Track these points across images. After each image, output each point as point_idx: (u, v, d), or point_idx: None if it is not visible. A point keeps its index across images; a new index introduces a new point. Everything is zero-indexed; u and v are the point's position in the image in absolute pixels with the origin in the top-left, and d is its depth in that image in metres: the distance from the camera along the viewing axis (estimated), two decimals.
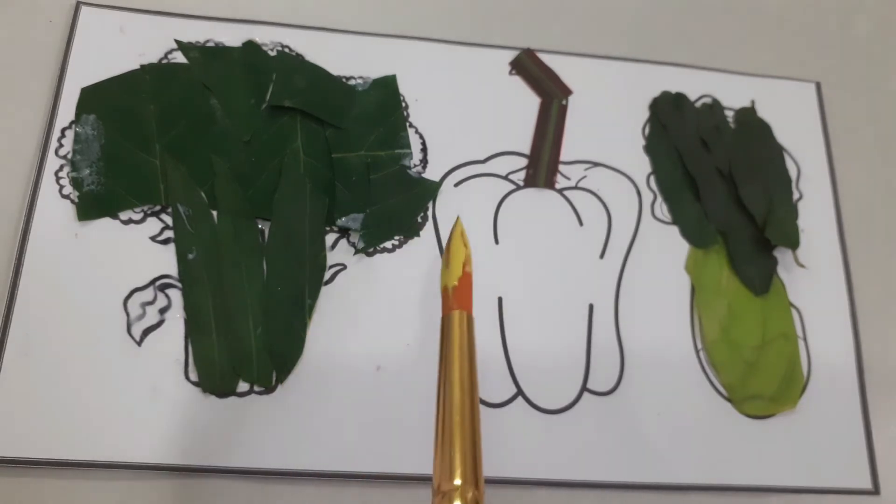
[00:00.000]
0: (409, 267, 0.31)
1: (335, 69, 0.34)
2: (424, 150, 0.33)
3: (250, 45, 0.33)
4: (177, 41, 0.32)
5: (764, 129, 0.37)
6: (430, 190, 0.32)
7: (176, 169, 0.30)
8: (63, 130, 0.30)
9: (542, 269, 0.32)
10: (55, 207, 0.29)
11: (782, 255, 0.35)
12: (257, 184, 0.31)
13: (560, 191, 0.34)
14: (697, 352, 0.32)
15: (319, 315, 0.29)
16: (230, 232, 0.29)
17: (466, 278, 0.25)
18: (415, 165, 0.33)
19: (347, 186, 0.31)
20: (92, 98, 0.31)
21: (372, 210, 0.31)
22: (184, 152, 0.30)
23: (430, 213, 0.32)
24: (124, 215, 0.29)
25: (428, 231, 0.32)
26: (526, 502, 0.29)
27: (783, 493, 0.31)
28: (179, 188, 0.30)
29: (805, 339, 0.34)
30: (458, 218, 0.30)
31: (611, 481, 0.29)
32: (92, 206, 0.29)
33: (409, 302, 0.30)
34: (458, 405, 0.21)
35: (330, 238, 0.31)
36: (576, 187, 0.34)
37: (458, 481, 0.19)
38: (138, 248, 0.29)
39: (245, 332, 0.28)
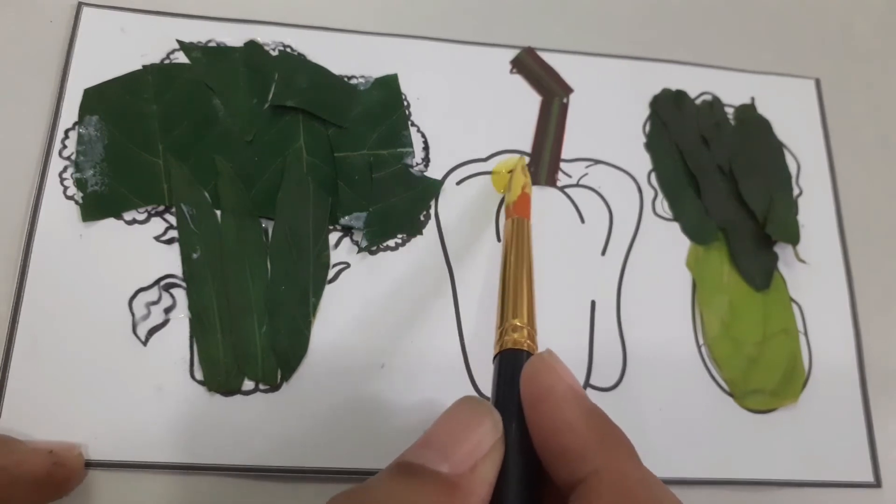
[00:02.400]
0: (413, 265, 0.31)
1: (337, 69, 0.34)
2: (426, 148, 0.33)
3: (252, 45, 0.33)
4: (179, 41, 0.33)
5: (764, 126, 0.37)
6: (432, 188, 0.32)
7: (179, 169, 0.30)
8: (66, 132, 0.30)
9: (544, 266, 0.32)
10: (59, 208, 0.29)
11: (783, 251, 0.35)
12: (260, 183, 0.31)
13: (562, 188, 0.34)
14: (699, 347, 0.32)
15: (323, 313, 0.30)
16: (234, 231, 0.30)
17: (524, 196, 0.31)
18: (417, 164, 0.33)
19: (350, 185, 0.31)
20: (94, 99, 0.31)
21: (375, 209, 0.31)
22: (187, 152, 0.30)
23: (432, 211, 0.32)
24: (128, 216, 0.30)
25: (430, 229, 0.32)
26: None
27: (785, 486, 0.31)
28: (183, 188, 0.30)
29: (806, 334, 0.34)
30: (521, 157, 0.34)
31: None
32: (96, 206, 0.29)
33: (413, 299, 0.30)
34: (514, 273, 0.26)
35: (333, 237, 0.31)
36: (577, 185, 0.34)
37: (517, 322, 0.23)
38: (142, 248, 0.29)
39: (250, 330, 0.28)
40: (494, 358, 0.22)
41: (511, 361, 0.22)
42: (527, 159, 0.34)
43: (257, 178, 0.31)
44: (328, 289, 0.30)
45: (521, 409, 0.19)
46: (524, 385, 0.19)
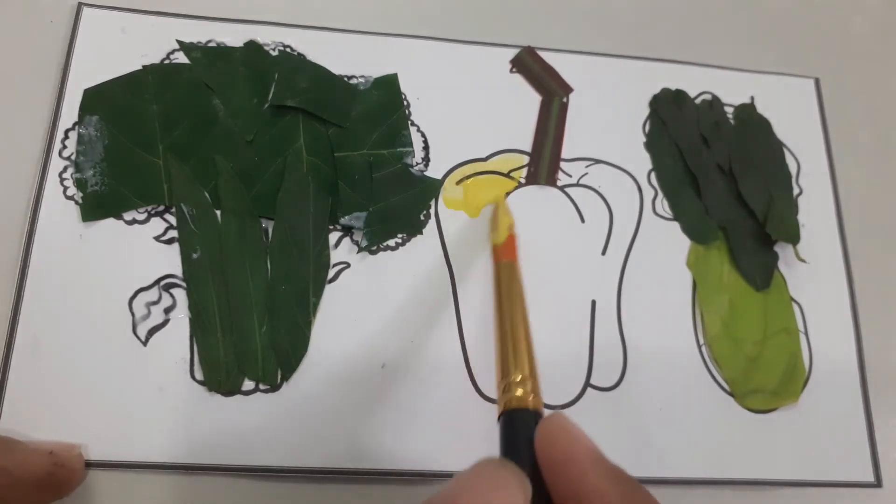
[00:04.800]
0: (413, 264, 0.31)
1: (337, 68, 0.34)
2: (426, 148, 0.33)
3: (252, 45, 0.33)
4: (179, 42, 0.33)
5: (763, 125, 0.37)
6: (432, 188, 0.32)
7: (179, 169, 0.30)
8: (66, 132, 0.30)
9: (545, 265, 0.32)
10: (59, 209, 0.29)
11: (783, 251, 0.35)
12: (260, 183, 0.31)
13: (562, 188, 0.34)
14: (699, 347, 0.32)
15: (324, 313, 0.30)
16: (234, 231, 0.30)
17: (511, 238, 0.31)
18: (417, 164, 0.33)
19: (350, 185, 0.31)
20: (94, 99, 0.31)
21: (375, 208, 0.31)
22: (187, 152, 0.30)
23: (432, 210, 0.32)
24: (128, 216, 0.30)
25: (431, 229, 0.32)
26: None
27: (785, 486, 0.31)
28: (183, 188, 0.30)
29: (806, 334, 0.34)
30: (503, 195, 0.33)
31: None
32: (96, 206, 0.29)
33: (413, 299, 0.30)
34: (511, 322, 0.26)
35: (333, 237, 0.31)
36: (577, 184, 0.34)
37: (518, 377, 0.23)
38: (143, 248, 0.29)
39: (250, 330, 0.28)
40: (500, 417, 0.22)
41: (519, 421, 0.21)
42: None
43: (257, 178, 0.31)
44: (328, 289, 0.30)
45: (537, 472, 0.18)
46: (541, 450, 0.19)
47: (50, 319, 0.28)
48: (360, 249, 0.31)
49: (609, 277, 0.33)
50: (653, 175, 0.35)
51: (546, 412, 0.21)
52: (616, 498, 0.17)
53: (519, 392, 0.22)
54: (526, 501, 0.17)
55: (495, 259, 0.31)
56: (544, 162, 0.34)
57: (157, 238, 0.29)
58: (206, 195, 0.30)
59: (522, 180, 0.34)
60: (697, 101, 0.37)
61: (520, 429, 0.21)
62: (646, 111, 0.37)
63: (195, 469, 0.27)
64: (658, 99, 0.37)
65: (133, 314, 0.28)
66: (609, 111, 0.36)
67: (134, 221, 0.29)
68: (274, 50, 0.33)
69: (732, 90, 0.38)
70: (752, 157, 0.36)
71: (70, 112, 0.30)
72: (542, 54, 0.36)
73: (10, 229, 0.29)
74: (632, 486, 0.17)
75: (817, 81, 0.39)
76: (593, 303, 0.32)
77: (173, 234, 0.30)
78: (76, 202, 0.29)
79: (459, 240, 0.32)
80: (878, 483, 0.31)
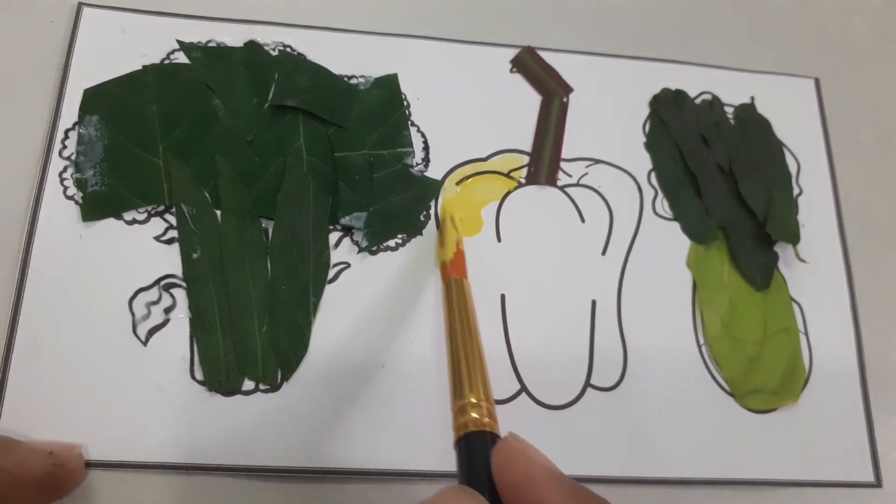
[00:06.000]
0: (413, 265, 0.31)
1: (337, 68, 0.34)
2: (426, 148, 0.33)
3: (252, 45, 0.33)
4: (179, 42, 0.33)
5: (763, 126, 0.37)
6: (432, 188, 0.32)
7: (179, 169, 0.30)
8: (66, 132, 0.30)
9: (545, 265, 0.32)
10: (59, 209, 0.29)
11: (783, 251, 0.35)
12: (260, 183, 0.31)
13: (562, 188, 0.34)
14: (699, 347, 0.32)
15: (324, 313, 0.30)
16: (234, 231, 0.30)
17: (459, 254, 0.30)
18: (417, 164, 0.33)
19: (350, 185, 0.31)
20: (94, 99, 0.31)
21: (375, 209, 0.31)
22: (187, 152, 0.30)
23: (432, 211, 0.32)
24: (128, 216, 0.30)
25: (431, 229, 0.32)
26: None
27: (785, 486, 0.31)
28: (183, 188, 0.30)
29: (806, 334, 0.34)
30: (443, 209, 0.32)
31: (614, 476, 0.29)
32: (96, 206, 0.29)
33: (412, 299, 0.30)
34: (462, 343, 0.25)
35: (333, 237, 0.31)
36: (577, 184, 0.34)
37: (473, 399, 0.22)
38: (143, 248, 0.29)
39: (250, 330, 0.28)
40: (456, 443, 0.22)
41: (476, 446, 0.21)
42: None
43: (257, 178, 0.31)
44: (328, 289, 0.30)
45: (496, 496, 0.18)
46: (498, 474, 0.18)
47: (50, 319, 0.28)
48: (360, 249, 0.31)
49: (609, 277, 0.33)
50: (653, 175, 0.35)
51: (502, 433, 0.21)
52: None
53: (474, 415, 0.22)
54: None
55: (444, 277, 0.30)
56: (544, 162, 0.34)
57: (157, 238, 0.29)
58: (206, 195, 0.30)
59: (522, 180, 0.34)
60: (697, 101, 0.37)
61: (478, 453, 0.20)
62: (646, 111, 0.37)
63: (195, 469, 0.27)
64: (658, 99, 0.37)
65: (133, 314, 0.28)
66: (609, 111, 0.36)
67: (134, 221, 0.29)
68: (274, 50, 0.33)
69: (732, 90, 0.38)
70: (752, 157, 0.36)
71: (70, 112, 0.30)
72: (542, 54, 0.36)
73: (10, 229, 0.29)
74: (593, 501, 0.17)
75: (817, 81, 0.39)
76: (593, 303, 0.32)
77: (173, 234, 0.30)
78: (76, 202, 0.29)
79: None
80: (878, 483, 0.31)
